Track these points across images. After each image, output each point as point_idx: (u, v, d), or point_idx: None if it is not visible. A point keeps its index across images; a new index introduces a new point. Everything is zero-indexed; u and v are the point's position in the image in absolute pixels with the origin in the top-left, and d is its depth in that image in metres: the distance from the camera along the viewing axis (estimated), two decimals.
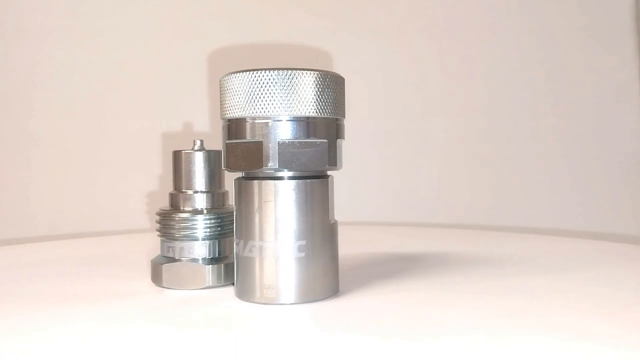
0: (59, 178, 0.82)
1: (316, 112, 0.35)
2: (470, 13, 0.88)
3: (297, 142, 0.34)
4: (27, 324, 0.33)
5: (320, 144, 0.35)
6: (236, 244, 0.36)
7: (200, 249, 0.40)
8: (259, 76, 0.34)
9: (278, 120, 0.34)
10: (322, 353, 0.28)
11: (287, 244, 0.35)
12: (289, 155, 0.34)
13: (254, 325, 0.32)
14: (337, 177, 0.39)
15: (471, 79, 0.88)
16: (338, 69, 0.41)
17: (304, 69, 0.34)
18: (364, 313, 0.34)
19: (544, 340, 0.28)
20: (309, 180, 0.35)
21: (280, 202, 0.35)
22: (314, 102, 0.35)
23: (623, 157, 0.89)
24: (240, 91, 0.35)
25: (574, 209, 0.88)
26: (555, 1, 0.89)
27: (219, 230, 0.40)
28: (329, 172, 0.37)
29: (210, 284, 0.39)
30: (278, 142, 0.34)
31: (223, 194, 0.42)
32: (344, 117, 0.37)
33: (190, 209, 0.41)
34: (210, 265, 0.39)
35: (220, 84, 0.37)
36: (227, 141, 0.36)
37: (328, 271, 0.36)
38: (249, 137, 0.35)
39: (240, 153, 0.35)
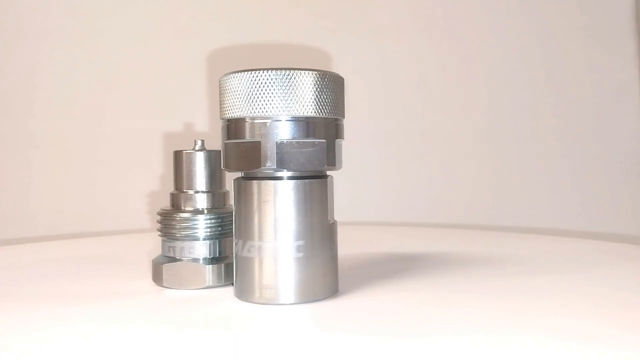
0: (59, 178, 0.82)
1: (315, 112, 0.35)
2: (470, 13, 0.88)
3: (296, 142, 0.34)
4: (27, 324, 0.33)
5: (318, 144, 0.35)
6: (235, 244, 0.36)
7: (201, 249, 0.40)
8: (257, 76, 0.34)
9: (277, 121, 0.34)
10: (322, 353, 0.28)
11: (286, 244, 0.35)
12: (287, 155, 0.34)
13: (253, 325, 0.32)
14: (337, 177, 0.39)
15: (471, 79, 0.88)
16: (338, 69, 0.41)
17: (303, 69, 0.34)
18: (363, 313, 0.34)
19: (544, 340, 0.28)
20: (308, 181, 0.35)
21: (279, 202, 0.35)
22: (313, 102, 0.35)
23: (623, 157, 0.89)
24: (239, 91, 0.35)
25: (574, 209, 0.88)
26: (555, 1, 0.89)
27: (220, 230, 0.40)
28: (328, 172, 0.37)
29: (211, 284, 0.39)
30: (276, 142, 0.34)
31: (224, 194, 0.42)
32: (344, 117, 0.37)
33: (191, 208, 0.41)
34: (211, 265, 0.39)
35: (219, 84, 0.37)
36: (226, 141, 0.36)
37: (327, 271, 0.36)
38: (248, 137, 0.35)
39: (239, 153, 0.35)
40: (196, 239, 0.40)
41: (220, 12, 0.84)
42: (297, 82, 0.34)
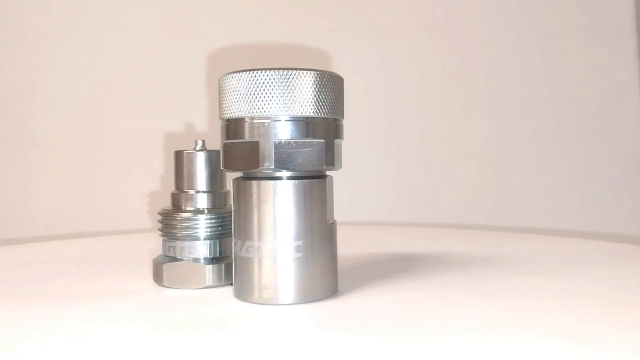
0: (59, 178, 0.82)
1: (314, 112, 0.35)
2: (470, 13, 0.88)
3: (294, 142, 0.34)
4: (27, 324, 0.33)
5: (317, 144, 0.35)
6: (234, 244, 0.36)
7: (201, 249, 0.40)
8: (257, 76, 0.34)
9: (276, 121, 0.34)
10: (321, 353, 0.28)
11: (285, 244, 0.35)
12: (285, 155, 0.34)
13: (252, 325, 0.32)
14: (337, 177, 0.39)
15: (471, 79, 0.88)
16: (338, 69, 0.41)
17: (302, 69, 0.34)
18: (363, 313, 0.34)
19: (544, 341, 0.28)
20: (307, 181, 0.35)
21: (278, 202, 0.35)
22: (313, 102, 0.35)
23: (623, 157, 0.89)
24: (238, 91, 0.35)
25: (574, 209, 0.88)
26: (555, 1, 0.89)
27: (220, 230, 0.40)
28: (328, 172, 0.37)
29: (211, 284, 0.39)
30: (275, 142, 0.34)
31: (224, 194, 0.42)
32: (343, 117, 0.37)
33: (191, 208, 0.41)
34: (211, 265, 0.39)
35: (218, 84, 0.37)
36: (225, 141, 0.36)
37: (327, 271, 0.36)
38: (247, 137, 0.35)
39: (238, 153, 0.35)
40: (197, 238, 0.40)
41: (220, 12, 0.84)
42: (296, 82, 0.34)
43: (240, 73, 0.35)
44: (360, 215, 0.85)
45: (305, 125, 0.35)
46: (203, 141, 0.42)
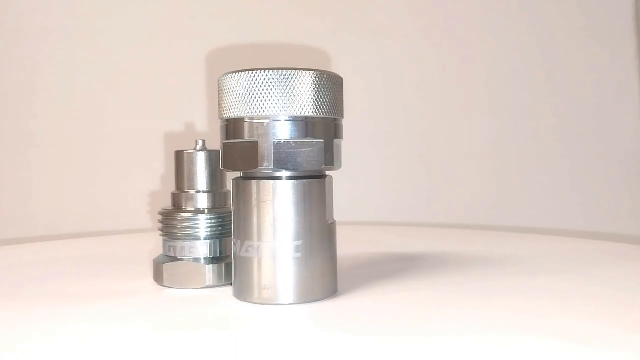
0: (59, 178, 0.82)
1: (314, 112, 0.35)
2: (470, 13, 0.88)
3: (293, 142, 0.34)
4: (27, 324, 0.33)
5: (316, 143, 0.35)
6: (234, 244, 0.37)
7: (202, 249, 0.40)
8: (256, 76, 0.34)
9: (276, 121, 0.34)
10: (321, 353, 0.28)
11: (284, 244, 0.35)
12: (284, 155, 0.34)
13: (252, 325, 0.32)
14: (337, 177, 0.39)
15: (471, 79, 0.88)
16: (338, 69, 0.41)
17: (301, 69, 0.34)
18: (363, 313, 0.34)
19: (544, 341, 0.28)
20: (307, 181, 0.35)
21: (278, 202, 0.35)
22: (312, 102, 0.34)
23: (623, 157, 0.89)
24: (237, 91, 0.35)
25: (574, 209, 0.88)
26: (555, 1, 0.89)
27: (221, 230, 0.40)
28: (328, 172, 0.37)
29: (211, 284, 0.39)
30: (274, 142, 0.34)
31: (225, 194, 0.42)
32: (343, 117, 0.37)
33: (192, 208, 0.41)
34: (211, 265, 0.39)
35: (218, 84, 0.37)
36: (224, 141, 0.36)
37: (326, 271, 0.36)
38: (246, 137, 0.35)
39: (237, 153, 0.35)
40: (197, 238, 0.40)
41: (220, 12, 0.84)
42: (295, 82, 0.34)
43: (240, 73, 0.35)
44: (360, 215, 0.85)
45: (305, 125, 0.35)
46: (203, 141, 0.42)
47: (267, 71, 0.34)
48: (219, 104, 0.37)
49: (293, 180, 0.35)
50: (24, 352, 0.28)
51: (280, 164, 0.34)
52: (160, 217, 0.41)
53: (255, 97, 0.34)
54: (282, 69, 0.34)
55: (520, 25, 0.88)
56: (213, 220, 0.40)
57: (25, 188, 0.81)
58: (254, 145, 0.34)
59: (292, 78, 0.34)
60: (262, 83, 0.34)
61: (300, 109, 0.34)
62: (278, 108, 0.34)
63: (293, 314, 0.34)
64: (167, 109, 0.83)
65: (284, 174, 0.35)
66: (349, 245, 0.44)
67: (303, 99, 0.34)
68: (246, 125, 0.35)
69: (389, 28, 0.87)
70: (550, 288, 0.39)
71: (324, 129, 0.35)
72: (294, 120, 0.34)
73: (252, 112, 0.34)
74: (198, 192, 0.41)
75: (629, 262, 0.49)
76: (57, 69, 0.81)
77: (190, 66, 0.83)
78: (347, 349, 0.28)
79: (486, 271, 0.44)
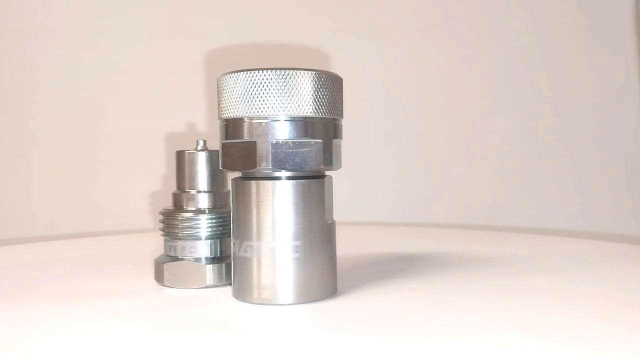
0: (59, 178, 0.82)
1: (313, 112, 0.35)
2: (470, 13, 0.88)
3: (291, 142, 0.34)
4: (27, 324, 0.33)
5: (314, 144, 0.35)
6: (233, 244, 0.36)
7: (202, 249, 0.40)
8: (255, 76, 0.34)
9: (275, 120, 0.34)
10: (320, 353, 0.28)
11: (283, 244, 0.35)
12: (282, 155, 0.34)
13: (251, 325, 0.32)
14: (337, 177, 0.39)
15: (471, 79, 0.88)
16: (338, 69, 0.41)
17: (300, 69, 0.34)
18: (362, 313, 0.34)
19: (544, 341, 0.28)
20: (306, 181, 0.35)
21: (276, 203, 0.35)
22: (311, 102, 0.34)
23: (623, 157, 0.89)
24: (236, 91, 0.35)
25: (574, 209, 0.88)
26: (555, 1, 0.89)
27: (221, 230, 0.40)
28: (328, 173, 0.37)
29: (211, 283, 0.39)
30: (272, 142, 0.34)
31: (226, 194, 0.42)
32: (342, 117, 0.37)
33: (193, 208, 0.41)
34: (211, 265, 0.39)
35: (217, 84, 0.37)
36: (223, 141, 0.36)
37: (326, 271, 0.36)
38: (245, 137, 0.35)
39: (235, 153, 0.35)
40: (198, 238, 0.40)
41: (220, 12, 0.84)
42: (294, 82, 0.34)
43: (238, 73, 0.35)
44: (360, 215, 0.85)
45: (304, 125, 0.35)
46: (204, 141, 0.42)
47: (265, 71, 0.34)
48: (218, 104, 0.37)
49: (292, 181, 0.35)
50: (24, 352, 0.28)
51: (278, 164, 0.34)
52: (161, 217, 0.41)
53: (254, 97, 0.34)
54: (281, 69, 0.34)
55: (521, 25, 0.88)
56: (214, 220, 0.40)
57: (25, 188, 0.81)
58: (252, 145, 0.34)
59: (291, 78, 0.34)
60: (261, 83, 0.34)
61: (299, 109, 0.34)
62: (277, 108, 0.34)
63: (292, 314, 0.34)
64: (167, 109, 0.83)
65: (283, 174, 0.35)
66: (349, 245, 0.44)
67: (302, 99, 0.34)
68: (245, 125, 0.35)
69: (389, 28, 0.87)
70: (550, 288, 0.39)
71: (323, 129, 0.35)
72: (293, 120, 0.34)
73: (251, 112, 0.34)
74: (199, 192, 0.41)
75: (629, 262, 0.49)
76: (57, 69, 0.81)
77: (191, 66, 0.83)
78: (346, 349, 0.28)
79: (486, 271, 0.44)
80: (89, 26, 0.82)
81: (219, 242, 0.40)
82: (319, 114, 0.35)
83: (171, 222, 0.40)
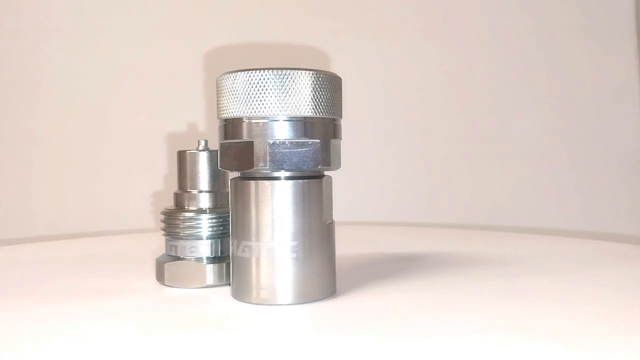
0: (59, 178, 0.82)
1: (312, 112, 0.35)
2: (471, 13, 0.88)
3: (289, 142, 0.34)
4: (27, 323, 0.33)
5: (312, 143, 0.35)
6: (231, 243, 0.36)
7: (203, 248, 0.40)
8: (254, 76, 0.34)
9: (273, 120, 0.34)
10: (319, 353, 0.28)
11: (282, 244, 0.35)
12: (280, 155, 0.34)
13: (250, 325, 0.32)
14: (337, 177, 0.39)
15: (471, 79, 0.88)
16: (337, 68, 0.41)
17: (299, 69, 0.34)
18: (362, 313, 0.34)
19: (544, 341, 0.28)
20: (305, 181, 0.35)
21: (275, 203, 0.35)
22: (309, 102, 0.34)
23: (623, 157, 0.89)
24: (235, 91, 0.35)
25: (574, 209, 0.88)
26: (555, 1, 0.89)
27: (222, 230, 0.40)
28: (327, 173, 0.37)
29: (212, 283, 0.39)
30: (269, 142, 0.34)
31: (227, 194, 0.42)
32: (341, 117, 0.37)
33: (194, 208, 0.41)
34: (211, 265, 0.39)
35: (216, 84, 0.37)
36: (222, 141, 0.36)
37: (324, 272, 0.36)
38: (244, 137, 0.35)
39: (233, 153, 0.35)
40: (199, 238, 0.40)
41: (220, 12, 0.84)
42: (293, 81, 0.34)
43: (237, 73, 0.35)
44: (360, 215, 0.85)
45: (302, 125, 0.35)
46: (206, 141, 0.42)
47: (264, 71, 0.34)
48: (218, 104, 0.37)
49: (291, 181, 0.35)
50: (24, 352, 0.28)
51: (276, 164, 0.34)
52: (162, 216, 0.41)
53: (253, 97, 0.34)
54: (280, 68, 0.34)
55: (521, 25, 0.88)
56: (215, 220, 0.40)
57: (25, 188, 0.81)
58: (249, 145, 0.34)
59: (289, 78, 0.34)
60: (260, 83, 0.34)
61: (298, 109, 0.34)
62: (276, 108, 0.34)
63: (291, 314, 0.34)
64: (167, 109, 0.83)
65: (282, 174, 0.35)
66: (349, 245, 0.44)
67: (301, 98, 0.34)
68: (244, 125, 0.35)
69: (389, 28, 0.87)
70: (550, 288, 0.39)
71: (321, 128, 0.35)
72: (292, 120, 0.34)
73: (250, 112, 0.34)
74: (200, 191, 0.41)
75: (629, 262, 0.49)
76: (57, 69, 0.81)
77: (191, 66, 0.83)
78: (346, 350, 0.28)
79: (486, 271, 0.44)
80: (89, 26, 0.82)
81: (219, 242, 0.40)
82: (317, 114, 0.35)
83: (172, 221, 0.40)
